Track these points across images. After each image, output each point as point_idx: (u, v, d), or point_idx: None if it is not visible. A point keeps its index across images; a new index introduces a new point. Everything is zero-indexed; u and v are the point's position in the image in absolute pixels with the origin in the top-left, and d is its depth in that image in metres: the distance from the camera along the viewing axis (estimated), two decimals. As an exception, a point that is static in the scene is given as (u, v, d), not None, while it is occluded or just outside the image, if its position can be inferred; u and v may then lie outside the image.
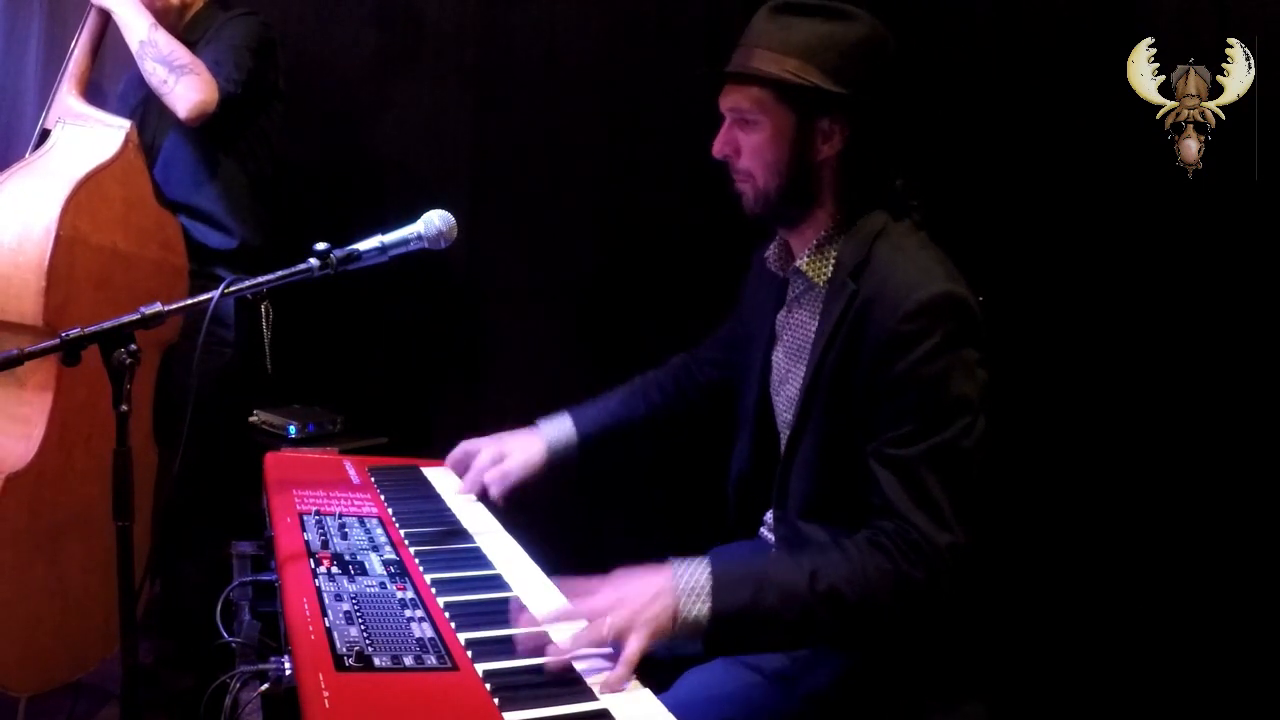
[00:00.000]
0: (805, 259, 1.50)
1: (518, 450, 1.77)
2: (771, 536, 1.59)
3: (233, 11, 2.47)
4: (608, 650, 1.23)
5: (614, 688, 1.16)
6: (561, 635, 1.23)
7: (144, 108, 2.48)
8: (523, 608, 1.32)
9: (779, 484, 1.52)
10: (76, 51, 2.38)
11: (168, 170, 2.44)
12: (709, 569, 1.28)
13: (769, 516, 1.62)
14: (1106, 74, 2.02)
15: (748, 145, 1.47)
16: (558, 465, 1.78)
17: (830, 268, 1.47)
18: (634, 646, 1.20)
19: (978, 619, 1.46)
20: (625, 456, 1.88)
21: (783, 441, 1.54)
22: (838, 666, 1.43)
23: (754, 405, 1.62)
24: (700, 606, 1.26)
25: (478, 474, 1.76)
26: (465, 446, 1.82)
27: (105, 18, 2.40)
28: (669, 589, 1.26)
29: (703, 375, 1.84)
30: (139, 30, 2.30)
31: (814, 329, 1.49)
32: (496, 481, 1.74)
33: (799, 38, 1.42)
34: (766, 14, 1.47)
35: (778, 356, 1.59)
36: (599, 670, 1.20)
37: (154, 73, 2.27)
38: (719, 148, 1.50)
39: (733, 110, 1.48)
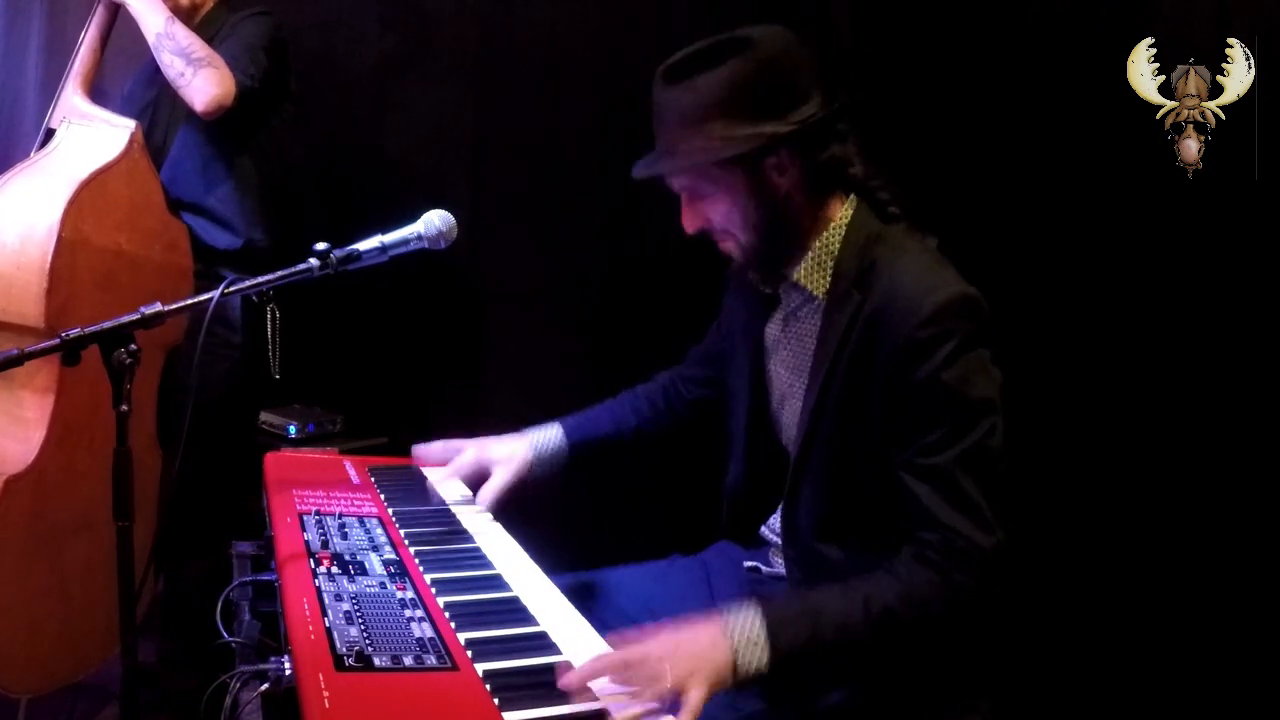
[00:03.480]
0: (802, 271, 1.47)
1: (503, 458, 1.74)
2: (776, 539, 1.58)
3: (244, 11, 2.47)
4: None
5: None
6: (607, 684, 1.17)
7: (153, 108, 2.47)
8: (569, 666, 1.21)
9: (787, 503, 1.49)
10: (83, 50, 2.37)
11: (177, 170, 2.43)
12: (760, 615, 1.24)
13: (774, 521, 1.61)
14: (1106, 74, 2.02)
15: (715, 213, 1.44)
16: (543, 475, 1.76)
17: (829, 278, 1.45)
18: (696, 697, 1.15)
19: (985, 620, 1.46)
20: (612, 469, 1.87)
21: (791, 456, 1.50)
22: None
23: (745, 420, 1.60)
24: (761, 654, 1.22)
25: (457, 469, 1.74)
26: (448, 444, 1.79)
27: (112, 15, 2.39)
28: (725, 639, 1.22)
29: (689, 393, 1.82)
30: (155, 23, 2.29)
31: (815, 343, 1.46)
32: (486, 499, 1.71)
33: (704, 97, 1.37)
34: (663, 85, 1.41)
35: (777, 371, 1.56)
36: None
37: (171, 65, 2.26)
38: (690, 225, 1.47)
39: (684, 189, 1.46)
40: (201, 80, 2.25)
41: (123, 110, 2.43)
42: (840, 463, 1.42)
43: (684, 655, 1.19)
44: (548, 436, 1.77)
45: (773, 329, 1.57)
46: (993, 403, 1.34)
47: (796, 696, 1.36)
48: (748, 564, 1.66)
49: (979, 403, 1.33)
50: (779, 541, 1.57)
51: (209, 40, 2.38)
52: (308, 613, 1.24)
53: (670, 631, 1.23)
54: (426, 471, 1.89)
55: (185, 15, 2.43)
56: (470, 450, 1.77)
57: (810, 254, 1.46)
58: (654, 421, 1.82)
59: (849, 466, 1.41)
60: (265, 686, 1.17)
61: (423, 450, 1.81)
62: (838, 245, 1.44)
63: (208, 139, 2.42)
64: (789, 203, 1.43)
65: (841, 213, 1.46)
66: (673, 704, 1.15)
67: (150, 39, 2.29)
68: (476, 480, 1.76)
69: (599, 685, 1.15)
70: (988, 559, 1.28)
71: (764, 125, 1.37)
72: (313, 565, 1.38)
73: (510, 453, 1.75)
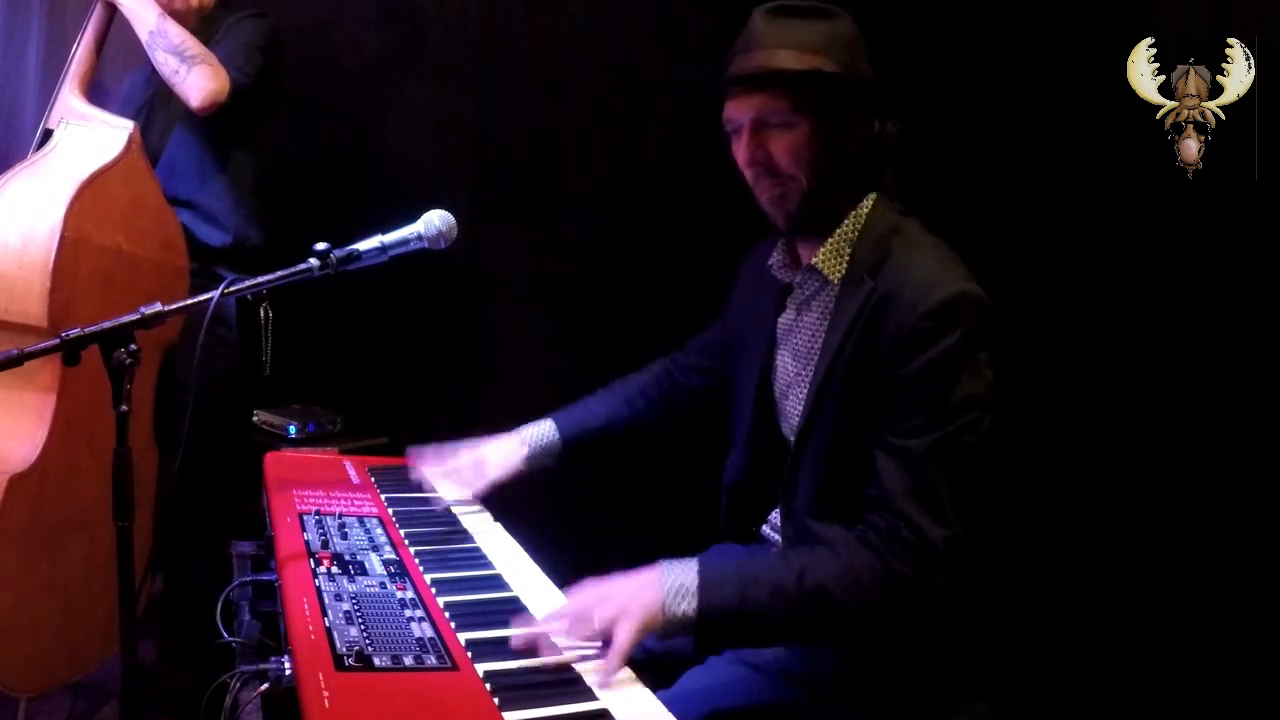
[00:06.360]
0: (821, 255, 1.48)
1: (496, 453, 1.77)
2: (777, 537, 1.59)
3: (241, 13, 2.48)
4: (598, 645, 1.25)
5: (607, 677, 1.18)
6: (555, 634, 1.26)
7: (149, 108, 2.48)
8: (523, 609, 1.33)
9: (786, 485, 1.51)
10: (79, 51, 2.38)
11: (172, 167, 2.44)
12: (696, 569, 1.31)
13: (775, 518, 1.62)
14: (1106, 74, 2.02)
15: (783, 149, 1.43)
16: (538, 468, 1.79)
17: (845, 264, 1.46)
18: (623, 636, 1.23)
19: (981, 617, 1.46)
20: (607, 460, 1.88)
21: (789, 444, 1.52)
22: (840, 665, 1.43)
23: (751, 412, 1.61)
24: (687, 604, 1.28)
25: (452, 467, 1.77)
26: (441, 448, 1.82)
27: (109, 16, 2.40)
28: (655, 584, 1.29)
29: (687, 381, 1.83)
30: (148, 20, 2.30)
31: (824, 329, 1.47)
32: (474, 481, 1.75)
33: (806, 37, 1.41)
34: (764, 18, 1.45)
35: (784, 361, 1.57)
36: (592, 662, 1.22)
37: (165, 63, 2.28)
38: (751, 157, 1.44)
39: (760, 116, 1.43)
40: (196, 77, 2.26)
41: (121, 110, 2.43)
42: (840, 443, 1.43)
43: (613, 599, 1.27)
44: (540, 431, 1.80)
45: (785, 320, 1.58)
46: (978, 400, 1.36)
47: (724, 647, 1.41)
48: None
49: (964, 398, 1.34)
50: (779, 540, 1.57)
51: (208, 39, 2.39)
52: (308, 613, 1.24)
53: (607, 580, 1.31)
54: (426, 471, 1.89)
55: (192, 16, 2.44)
56: (465, 452, 1.79)
57: (831, 239, 1.48)
58: (647, 413, 1.83)
59: (848, 447, 1.42)
60: (265, 686, 1.17)
61: (418, 455, 1.82)
62: (856, 233, 1.47)
63: (202, 137, 2.43)
64: (853, 164, 1.47)
65: (863, 203, 1.48)
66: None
67: (143, 37, 2.30)
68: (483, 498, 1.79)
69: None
70: (936, 551, 1.30)
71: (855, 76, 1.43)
72: (313, 565, 1.39)
73: (504, 451, 1.78)
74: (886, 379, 1.36)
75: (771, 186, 1.46)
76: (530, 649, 1.23)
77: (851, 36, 1.45)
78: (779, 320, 1.59)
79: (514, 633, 1.25)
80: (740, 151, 1.46)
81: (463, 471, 1.77)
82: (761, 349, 1.60)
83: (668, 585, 1.29)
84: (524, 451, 1.77)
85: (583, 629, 1.25)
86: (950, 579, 1.31)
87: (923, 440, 1.32)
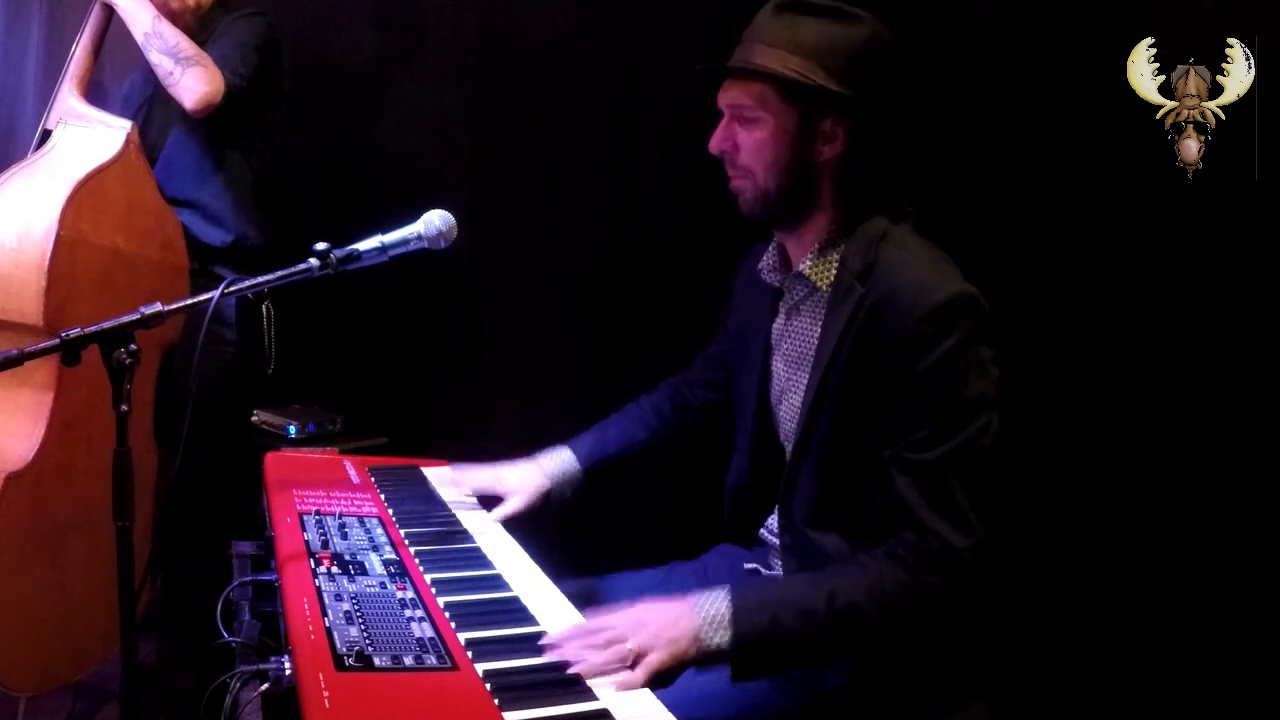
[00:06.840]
0: (808, 263, 1.49)
1: (518, 487, 1.75)
2: (776, 541, 1.59)
3: (239, 12, 2.48)
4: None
5: (626, 687, 1.19)
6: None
7: (148, 107, 2.49)
8: (531, 617, 1.33)
9: (784, 493, 1.51)
10: (78, 52, 2.39)
11: (171, 168, 2.45)
12: (728, 598, 1.30)
13: (772, 522, 1.62)
14: (1106, 74, 2.02)
15: (747, 142, 1.46)
16: (559, 499, 1.78)
17: (834, 271, 1.46)
18: (654, 659, 1.23)
19: (982, 619, 1.46)
20: (626, 481, 1.87)
21: (787, 451, 1.53)
22: (841, 666, 1.43)
23: (753, 418, 1.61)
24: (722, 635, 1.28)
25: (472, 484, 1.76)
26: (462, 468, 1.82)
27: (107, 17, 2.40)
28: (690, 616, 1.29)
29: (696, 398, 1.83)
30: (143, 22, 2.31)
31: (816, 335, 1.47)
32: (497, 519, 1.73)
33: (804, 37, 1.41)
34: (772, 11, 1.46)
35: (777, 366, 1.58)
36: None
37: (160, 64, 2.29)
38: (717, 143, 1.48)
39: (733, 106, 1.46)
40: (190, 79, 2.27)
41: (120, 110, 2.44)
42: (837, 451, 1.43)
43: (648, 626, 1.27)
44: (561, 461, 1.79)
45: (777, 325, 1.58)
46: (987, 401, 1.36)
47: (763, 674, 1.40)
48: (748, 566, 1.67)
49: (973, 400, 1.34)
50: (777, 543, 1.58)
51: (205, 38, 2.39)
52: (308, 613, 1.24)
53: (643, 606, 1.30)
54: (427, 473, 1.89)
55: (192, 15, 2.44)
56: (487, 472, 1.78)
57: (818, 244, 1.48)
58: (662, 431, 1.83)
59: (845, 456, 1.43)
60: (265, 686, 1.17)
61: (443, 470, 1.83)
62: (845, 239, 1.46)
63: (201, 137, 2.43)
64: (819, 171, 1.46)
65: (841, 214, 1.48)
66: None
67: (138, 38, 2.31)
68: (484, 498, 1.78)
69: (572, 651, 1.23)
70: (962, 561, 1.31)
71: (838, 87, 1.40)
72: (313, 565, 1.39)
73: (524, 481, 1.76)
74: (889, 385, 1.36)
75: (733, 177, 1.50)
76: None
77: (860, 45, 1.41)
78: (772, 326, 1.59)
79: (552, 660, 1.23)
80: (713, 137, 1.49)
81: (476, 492, 1.77)
82: (758, 354, 1.60)
83: (702, 617, 1.29)
84: (546, 485, 1.76)
85: (614, 656, 1.23)
86: (975, 584, 1.32)
87: (938, 451, 1.32)
